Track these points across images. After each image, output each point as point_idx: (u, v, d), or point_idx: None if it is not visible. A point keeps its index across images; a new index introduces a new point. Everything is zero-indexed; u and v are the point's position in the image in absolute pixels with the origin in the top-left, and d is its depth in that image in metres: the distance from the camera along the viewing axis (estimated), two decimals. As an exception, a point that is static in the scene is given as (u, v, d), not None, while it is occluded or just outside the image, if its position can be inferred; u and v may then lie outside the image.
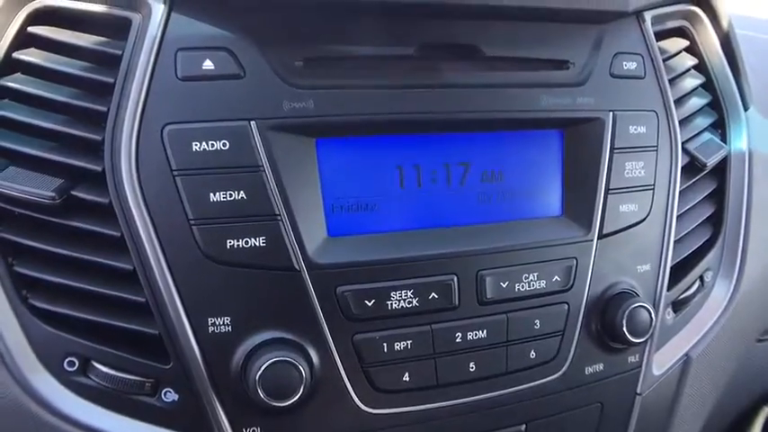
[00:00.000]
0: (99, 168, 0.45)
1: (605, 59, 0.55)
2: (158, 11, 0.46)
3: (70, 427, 0.46)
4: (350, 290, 0.47)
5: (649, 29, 0.58)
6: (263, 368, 0.43)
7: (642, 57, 0.57)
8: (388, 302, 0.48)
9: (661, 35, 0.62)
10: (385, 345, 0.48)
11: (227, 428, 0.46)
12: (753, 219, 0.65)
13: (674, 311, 0.61)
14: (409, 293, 0.48)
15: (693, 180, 0.62)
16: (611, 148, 0.55)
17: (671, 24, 0.63)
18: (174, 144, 0.45)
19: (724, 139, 0.66)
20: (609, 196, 0.54)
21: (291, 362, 0.44)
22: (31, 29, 0.47)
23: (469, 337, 0.50)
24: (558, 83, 0.53)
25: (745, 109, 0.67)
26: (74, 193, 0.46)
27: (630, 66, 0.57)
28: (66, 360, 0.46)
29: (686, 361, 0.61)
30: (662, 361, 0.59)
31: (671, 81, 0.60)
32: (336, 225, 0.48)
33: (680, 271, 0.61)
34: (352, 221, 0.49)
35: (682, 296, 0.61)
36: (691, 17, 0.65)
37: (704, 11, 0.64)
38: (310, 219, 0.47)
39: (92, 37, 0.47)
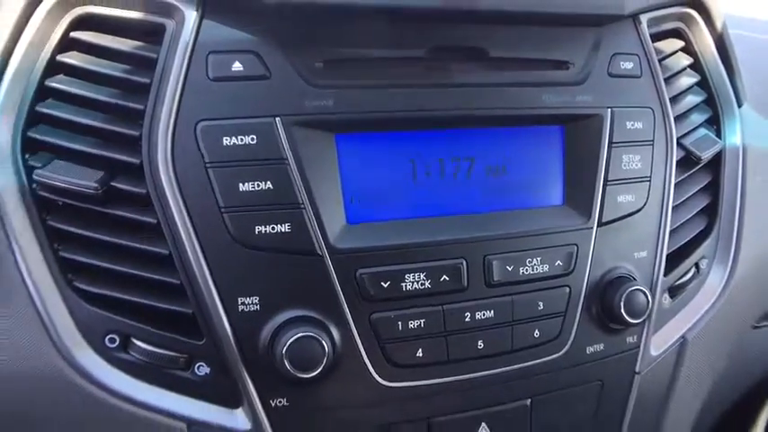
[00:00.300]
0: (137, 161, 0.51)
1: (603, 60, 0.60)
2: (191, 17, 0.51)
3: (112, 398, 0.51)
4: (367, 272, 0.52)
5: (645, 31, 0.63)
6: (289, 342, 0.49)
7: (638, 57, 0.62)
8: (403, 284, 0.53)
9: (658, 36, 0.66)
10: (400, 323, 0.53)
11: (255, 399, 0.51)
12: (746, 210, 0.70)
13: (671, 296, 0.66)
14: (422, 276, 0.53)
15: (689, 173, 0.67)
16: (610, 143, 0.60)
17: (667, 26, 0.68)
18: (206, 139, 0.50)
19: (719, 134, 0.71)
20: (607, 187, 0.59)
21: (315, 337, 0.49)
22: (73, 34, 0.52)
23: (478, 316, 0.55)
24: (559, 82, 0.58)
25: (739, 105, 0.72)
26: (114, 184, 0.51)
27: (627, 65, 0.62)
28: (108, 337, 0.51)
29: (683, 343, 0.66)
30: (659, 342, 0.64)
31: (667, 80, 0.65)
32: (355, 213, 0.53)
33: (676, 258, 0.66)
34: (369, 210, 0.54)
35: (678, 282, 0.66)
36: (686, 19, 0.69)
37: (699, 13, 0.69)
38: (331, 207, 0.52)
39: (129, 41, 0.52)
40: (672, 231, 0.64)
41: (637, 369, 0.63)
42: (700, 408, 0.72)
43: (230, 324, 0.50)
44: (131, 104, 0.51)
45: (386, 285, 0.52)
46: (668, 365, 0.65)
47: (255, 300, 0.51)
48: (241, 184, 0.50)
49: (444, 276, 0.54)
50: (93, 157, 0.51)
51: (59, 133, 0.52)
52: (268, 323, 0.51)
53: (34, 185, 0.51)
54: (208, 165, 0.50)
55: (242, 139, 0.50)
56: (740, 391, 0.82)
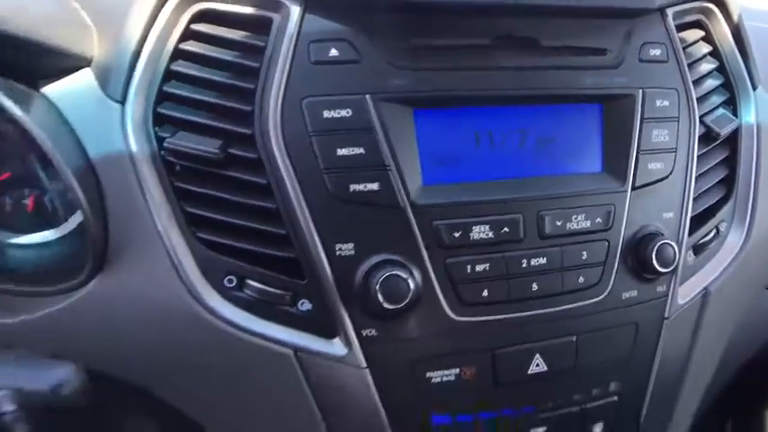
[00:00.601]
0: (250, 132, 0.63)
1: (635, 47, 0.72)
2: (295, 12, 0.62)
3: (231, 329, 0.62)
4: (442, 224, 0.64)
5: (671, 22, 0.75)
6: (380, 280, 0.60)
7: (665, 45, 0.74)
8: (471, 234, 0.65)
9: (681, 27, 0.78)
10: (469, 267, 0.65)
11: (350, 330, 0.63)
12: (761, 180, 0.82)
13: (695, 254, 0.78)
14: (486, 228, 0.65)
15: (710, 147, 0.79)
16: (642, 118, 0.71)
17: (689, 18, 0.79)
18: (310, 112, 0.62)
19: (735, 113, 0.82)
20: (639, 156, 0.71)
21: (401, 276, 0.61)
22: (193, 26, 0.64)
23: (533, 263, 0.67)
24: (598, 66, 0.70)
25: (754, 89, 0.83)
26: (230, 150, 0.63)
27: (656, 52, 0.73)
28: (226, 278, 0.63)
29: (705, 294, 0.77)
30: (685, 293, 0.75)
31: (690, 65, 0.77)
32: (429, 175, 0.65)
33: (699, 220, 0.77)
34: (441, 173, 0.66)
35: (701, 241, 0.78)
36: (706, 12, 0.81)
37: (718, 7, 0.80)
38: (410, 169, 0.64)
39: (241, 32, 0.64)
40: (695, 197, 0.76)
41: (666, 315, 0.74)
42: (720, 357, 0.84)
43: (330, 266, 0.62)
44: (244, 84, 0.63)
45: (457, 235, 0.64)
46: (693, 313, 0.77)
47: (351, 246, 0.63)
48: (338, 150, 0.62)
49: (505, 228, 0.66)
50: (211, 129, 0.63)
51: (183, 109, 0.64)
52: (361, 265, 0.62)
53: (162, 153, 0.63)
54: (311, 133, 0.62)
55: (339, 113, 0.62)
56: (754, 348, 0.93)
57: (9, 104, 0.58)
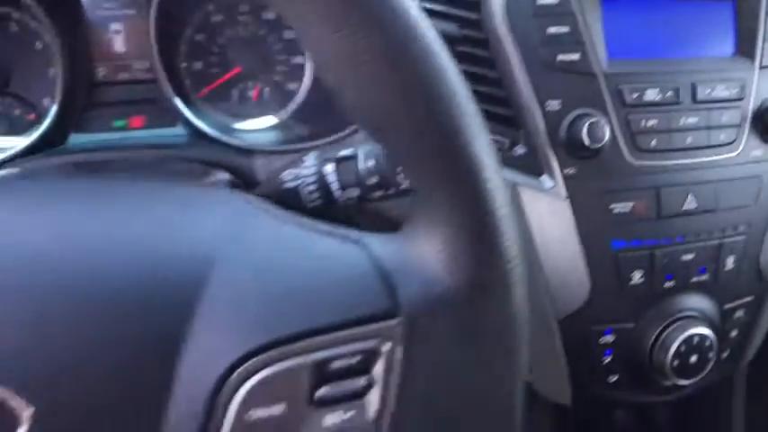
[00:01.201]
0: (478, 17, 0.87)
1: (759, -41, 0.96)
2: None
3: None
4: (624, 87, 0.87)
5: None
6: (585, 125, 0.84)
7: None
8: (644, 97, 0.88)
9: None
10: (643, 121, 0.88)
11: (555, 168, 0.86)
12: None
13: (802, 127, 1.02)
14: (656, 91, 0.89)
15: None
16: (766, 13, 0.96)
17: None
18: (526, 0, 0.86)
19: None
20: (765, 43, 0.95)
21: (599, 123, 0.85)
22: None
23: (689, 121, 0.90)
24: (735, -28, 0.95)
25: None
26: (463, 31, 0.87)
27: None
28: (461, 129, 0.88)
29: (810, 159, 1.02)
30: (797, 156, 1.00)
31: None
32: (612, 51, 0.89)
33: (804, 100, 1.02)
34: (621, 50, 0.90)
35: (806, 118, 1.02)
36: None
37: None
38: (600, 46, 0.88)
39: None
40: (802, 83, 1.00)
41: (783, 173, 0.99)
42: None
43: (542, 118, 0.86)
44: (472, -18, 0.87)
45: (635, 96, 0.88)
46: (800, 172, 1.01)
47: (558, 102, 0.86)
48: (549, 29, 0.85)
49: (669, 92, 0.89)
50: (449, 15, 0.87)
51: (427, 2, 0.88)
52: (566, 117, 0.86)
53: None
54: (528, 17, 0.86)
55: (549, 0, 0.86)
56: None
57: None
